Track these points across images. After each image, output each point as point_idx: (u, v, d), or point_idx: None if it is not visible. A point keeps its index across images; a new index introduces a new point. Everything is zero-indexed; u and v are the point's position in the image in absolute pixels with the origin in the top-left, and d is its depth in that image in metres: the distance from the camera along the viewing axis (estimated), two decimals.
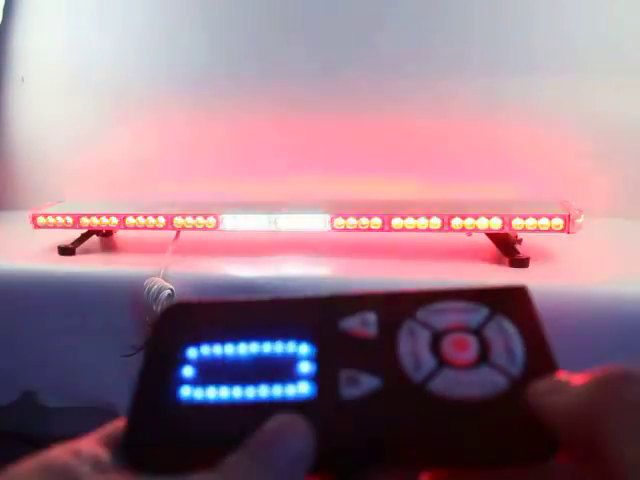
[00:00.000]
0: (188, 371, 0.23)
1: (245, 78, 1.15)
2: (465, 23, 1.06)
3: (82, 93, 1.22)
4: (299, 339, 0.24)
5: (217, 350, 0.24)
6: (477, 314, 0.23)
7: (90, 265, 0.85)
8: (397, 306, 0.24)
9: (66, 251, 0.88)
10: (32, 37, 1.23)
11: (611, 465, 0.17)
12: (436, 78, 1.08)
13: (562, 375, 0.20)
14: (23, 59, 1.24)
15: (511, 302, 0.24)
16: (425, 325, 0.23)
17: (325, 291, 0.27)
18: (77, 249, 0.90)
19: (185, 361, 0.24)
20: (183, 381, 0.23)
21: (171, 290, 0.75)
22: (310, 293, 0.26)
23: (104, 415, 0.82)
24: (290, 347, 0.24)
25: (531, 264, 0.76)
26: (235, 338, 0.24)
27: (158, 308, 0.74)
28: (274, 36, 1.14)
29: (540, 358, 0.22)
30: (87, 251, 0.91)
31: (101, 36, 1.20)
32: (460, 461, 0.21)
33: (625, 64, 1.01)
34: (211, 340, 0.24)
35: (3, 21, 1.22)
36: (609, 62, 1.01)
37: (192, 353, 0.24)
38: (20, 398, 0.87)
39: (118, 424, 0.23)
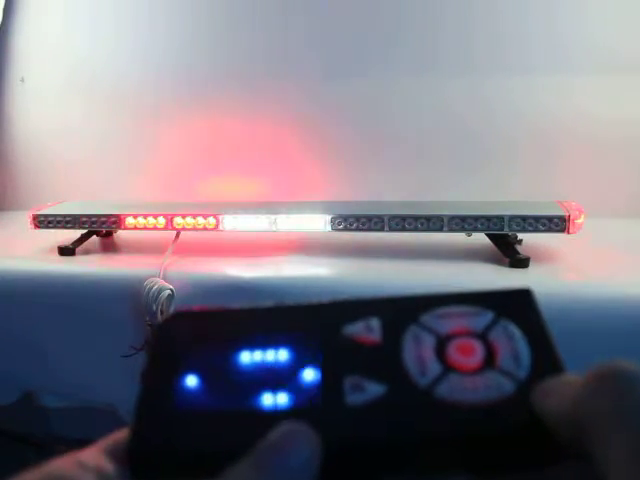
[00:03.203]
0: (191, 380, 0.23)
1: (247, 77, 1.15)
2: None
3: (82, 93, 1.22)
4: (302, 346, 0.24)
5: (220, 358, 0.24)
6: (482, 318, 0.23)
7: (90, 265, 0.85)
8: (401, 311, 0.24)
9: (66, 251, 0.88)
10: (32, 37, 1.23)
11: (596, 468, 0.17)
12: (436, 78, 1.08)
13: (566, 377, 0.20)
14: (23, 59, 1.24)
15: (516, 305, 0.24)
16: (430, 330, 0.23)
17: (325, 292, 0.27)
18: (77, 249, 0.89)
19: (188, 370, 0.24)
20: (186, 390, 0.23)
21: (171, 290, 0.75)
22: (312, 298, 0.26)
23: (104, 415, 0.82)
24: (293, 354, 0.24)
25: (531, 264, 0.76)
26: (238, 346, 0.24)
27: (158, 308, 0.74)
28: (279, 36, 1.14)
29: (546, 361, 0.22)
30: (87, 251, 0.91)
31: (101, 36, 1.20)
32: (467, 466, 0.21)
33: (625, 64, 1.02)
34: (214, 348, 0.24)
35: (3, 21, 1.21)
36: (608, 62, 1.02)
37: (195, 362, 0.24)
38: (20, 398, 0.87)
39: (121, 434, 0.23)
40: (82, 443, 0.23)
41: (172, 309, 0.75)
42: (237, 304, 0.26)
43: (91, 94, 1.21)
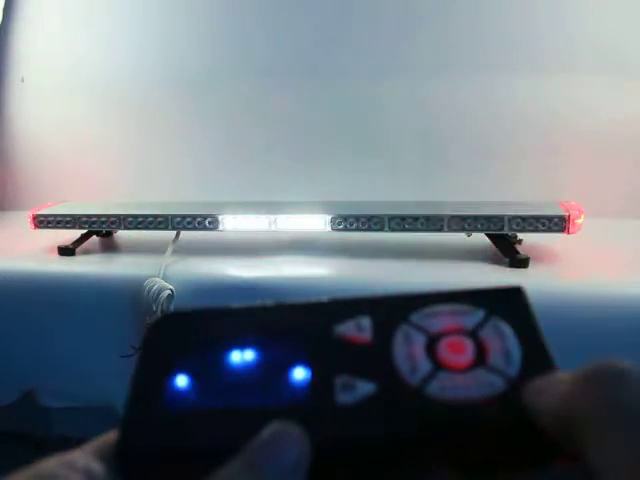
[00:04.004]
0: (182, 380, 0.23)
1: (244, 78, 1.15)
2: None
3: (82, 93, 1.22)
4: (293, 345, 0.24)
5: (210, 358, 0.24)
6: (473, 316, 0.23)
7: (90, 265, 0.85)
8: (392, 310, 0.24)
9: (66, 251, 0.88)
10: (32, 37, 1.23)
11: (587, 467, 0.16)
12: (430, 77, 1.08)
13: (557, 375, 0.20)
14: (23, 59, 1.24)
15: (507, 303, 0.24)
16: (420, 328, 0.23)
17: (325, 292, 0.26)
18: (77, 249, 0.90)
19: (178, 370, 0.23)
20: (176, 390, 0.23)
21: (171, 290, 0.75)
22: (304, 297, 0.25)
23: (104, 415, 0.82)
24: (284, 353, 0.23)
25: (531, 264, 0.76)
26: (228, 345, 0.24)
27: (158, 308, 0.74)
28: (270, 34, 1.14)
29: (537, 359, 0.22)
30: (87, 251, 0.91)
31: (101, 36, 1.21)
32: (458, 465, 0.21)
33: (625, 64, 1.01)
34: (204, 348, 0.24)
35: (3, 21, 1.22)
36: (609, 62, 1.01)
37: (185, 362, 0.24)
38: (20, 398, 0.87)
39: (112, 435, 0.22)
40: (82, 443, 0.22)
41: (172, 309, 0.75)
42: (233, 304, 0.26)
43: (91, 94, 1.21)
